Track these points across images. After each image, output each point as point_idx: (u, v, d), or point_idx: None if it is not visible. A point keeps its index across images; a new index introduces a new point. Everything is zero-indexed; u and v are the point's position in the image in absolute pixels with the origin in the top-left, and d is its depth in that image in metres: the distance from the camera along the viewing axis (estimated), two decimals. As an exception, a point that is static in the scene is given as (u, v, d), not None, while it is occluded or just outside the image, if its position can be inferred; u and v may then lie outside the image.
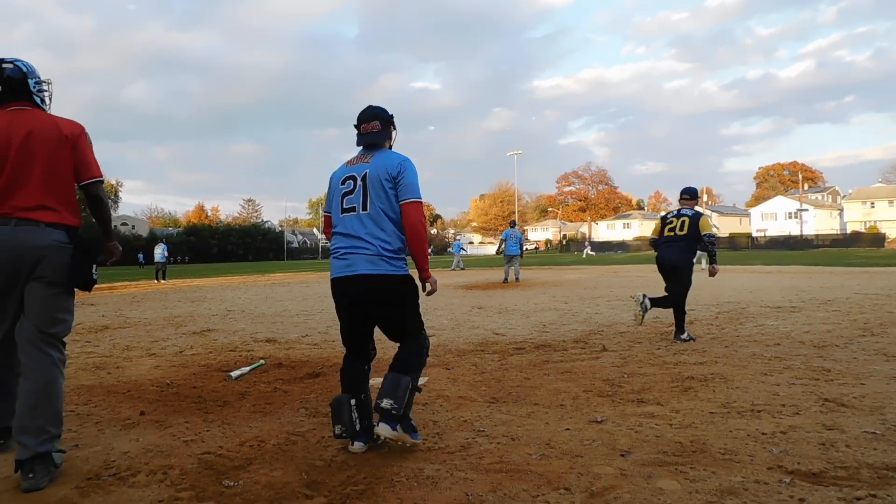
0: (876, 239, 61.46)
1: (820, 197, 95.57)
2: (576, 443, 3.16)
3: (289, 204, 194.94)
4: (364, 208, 3.19)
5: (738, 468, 2.76)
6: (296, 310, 10.62)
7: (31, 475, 2.70)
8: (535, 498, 2.48)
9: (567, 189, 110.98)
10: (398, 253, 3.22)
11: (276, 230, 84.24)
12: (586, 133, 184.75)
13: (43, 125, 2.99)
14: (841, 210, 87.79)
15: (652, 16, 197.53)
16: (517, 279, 17.63)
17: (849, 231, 77.07)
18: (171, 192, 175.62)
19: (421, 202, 3.28)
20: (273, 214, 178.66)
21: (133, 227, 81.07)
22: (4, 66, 3.03)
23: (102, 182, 3.17)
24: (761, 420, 3.49)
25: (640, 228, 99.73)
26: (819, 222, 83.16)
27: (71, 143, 3.01)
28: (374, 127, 3.35)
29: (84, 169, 3.05)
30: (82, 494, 2.62)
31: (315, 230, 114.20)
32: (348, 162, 3.39)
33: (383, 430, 3.01)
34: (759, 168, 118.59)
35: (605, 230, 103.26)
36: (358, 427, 3.12)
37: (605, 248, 79.26)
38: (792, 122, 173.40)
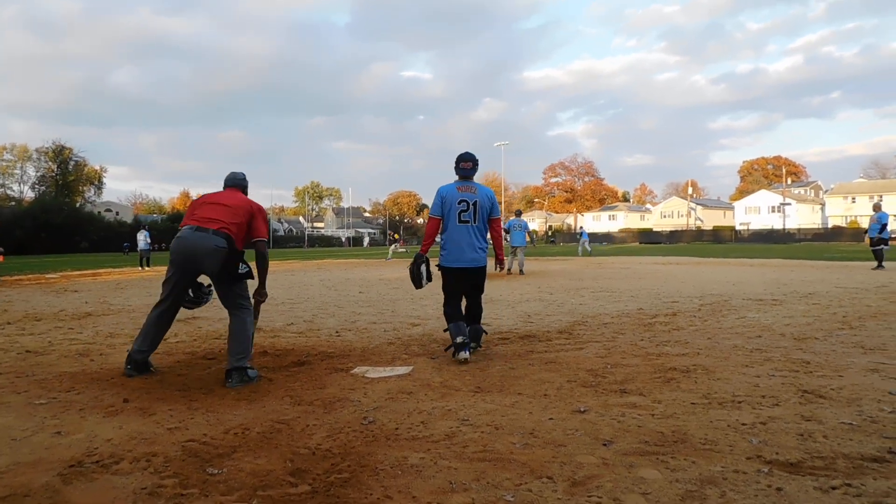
0: (856, 234, 62.24)
1: (803, 191, 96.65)
2: (559, 432, 3.19)
3: (275, 192, 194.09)
4: (475, 222, 5.32)
5: (718, 458, 2.80)
6: (281, 298, 10.59)
7: (229, 380, 4.27)
8: (518, 487, 2.51)
9: (554, 180, 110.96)
10: (486, 249, 5.46)
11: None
12: (575, 125, 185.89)
13: (239, 201, 4.69)
14: (823, 205, 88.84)
15: (644, 8, 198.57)
16: (521, 271, 16.54)
17: (830, 225, 78.02)
18: (156, 178, 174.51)
19: (500, 218, 5.66)
20: (259, 202, 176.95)
21: (117, 213, 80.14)
22: (237, 174, 4.97)
23: (265, 241, 4.68)
24: (741, 411, 3.54)
25: (626, 220, 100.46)
26: (801, 216, 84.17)
27: (252, 213, 4.63)
28: (468, 166, 5.40)
29: (253, 232, 4.64)
30: (65, 481, 2.61)
31: (301, 218, 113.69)
32: (458, 188, 5.36)
33: (468, 354, 5.06)
34: (744, 162, 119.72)
35: (591, 222, 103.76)
36: (468, 340, 5.17)
37: (592, 240, 79.64)
38: (779, 117, 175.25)
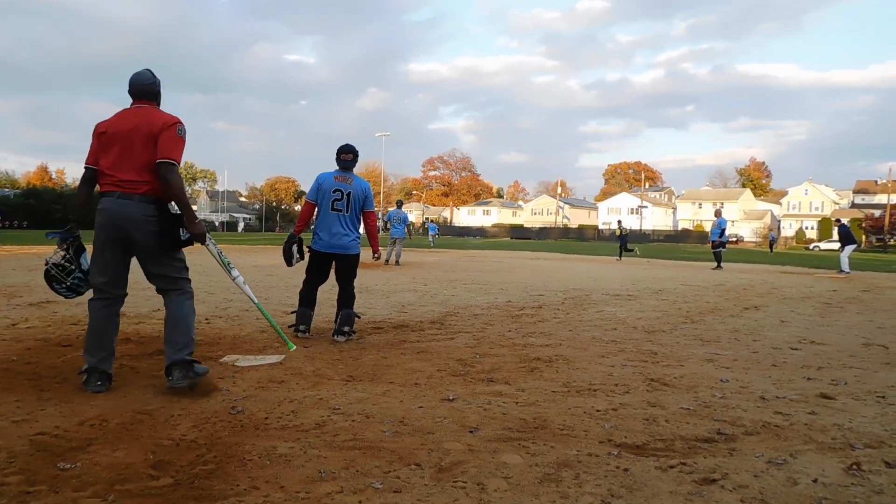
0: (702, 236, 68.13)
1: (658, 196, 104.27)
2: (428, 420, 3.29)
3: None
4: (347, 212, 5.57)
5: (574, 442, 3.02)
6: (147, 282, 9.98)
7: (170, 377, 3.62)
8: (387, 474, 2.57)
9: (432, 173, 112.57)
10: (359, 238, 5.72)
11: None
12: (455, 120, 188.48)
13: (149, 128, 3.64)
14: (675, 209, 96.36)
15: (526, 12, 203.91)
16: (398, 262, 16.60)
17: (680, 228, 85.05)
18: (11, 149, 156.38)
19: (375, 211, 5.88)
20: None
21: (-40, 185, 71.29)
22: (143, 77, 3.83)
23: (171, 164, 3.61)
24: (596, 398, 3.82)
25: (499, 216, 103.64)
26: (656, 219, 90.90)
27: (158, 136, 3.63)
28: (349, 158, 5.65)
29: (158, 152, 3.60)
30: None
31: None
32: (335, 177, 5.61)
33: (340, 338, 5.43)
34: (609, 165, 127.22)
35: (466, 216, 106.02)
36: (310, 326, 5.61)
37: (466, 233, 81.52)
38: (641, 125, 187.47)
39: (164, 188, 3.64)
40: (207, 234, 3.95)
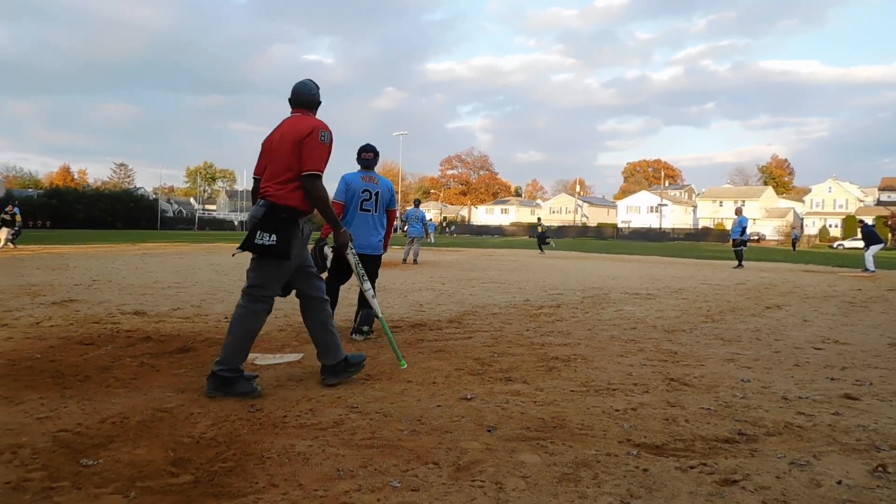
0: (722, 235, 67.45)
1: (678, 194, 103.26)
2: (445, 419, 3.29)
3: (165, 171, 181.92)
4: (376, 211, 5.70)
5: (593, 442, 2.99)
6: (168, 281, 10.10)
7: (207, 385, 3.62)
8: (405, 473, 2.57)
9: (450, 172, 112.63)
10: (383, 239, 5.85)
11: (150, 198, 78.95)
12: (473, 119, 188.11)
13: (291, 135, 3.69)
14: (695, 207, 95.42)
15: (544, 10, 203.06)
16: (416, 261, 16.68)
17: (700, 226, 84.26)
18: (33, 150, 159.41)
19: (395, 210, 6.04)
20: (147, 181, 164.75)
21: (-15, 185, 72.75)
22: (308, 85, 3.94)
23: (313, 175, 3.63)
24: (615, 398, 3.79)
25: (517, 214, 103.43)
26: (676, 217, 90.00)
27: (299, 144, 3.64)
28: (369, 156, 5.76)
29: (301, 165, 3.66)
30: (-85, 476, 2.40)
31: (192, 200, 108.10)
32: (362, 177, 5.69)
33: (358, 337, 5.45)
34: (628, 163, 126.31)
35: (484, 214, 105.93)
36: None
37: (484, 232, 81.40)
38: (659, 123, 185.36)
39: (309, 199, 3.67)
40: (350, 244, 4.15)
